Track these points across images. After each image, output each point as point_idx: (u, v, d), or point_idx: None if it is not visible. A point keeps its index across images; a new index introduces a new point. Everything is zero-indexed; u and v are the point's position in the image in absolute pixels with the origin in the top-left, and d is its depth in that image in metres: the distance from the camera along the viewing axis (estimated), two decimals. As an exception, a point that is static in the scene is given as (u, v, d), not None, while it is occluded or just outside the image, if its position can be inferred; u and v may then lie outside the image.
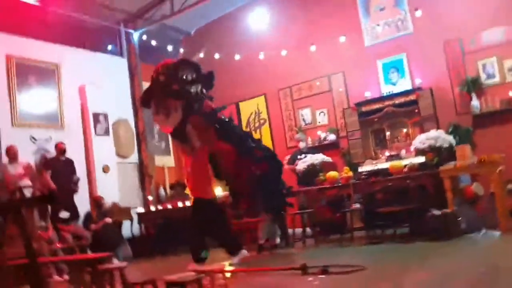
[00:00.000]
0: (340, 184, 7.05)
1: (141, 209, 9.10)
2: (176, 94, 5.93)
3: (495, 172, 5.91)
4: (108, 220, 7.77)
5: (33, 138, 8.00)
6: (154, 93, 6.13)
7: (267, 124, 10.28)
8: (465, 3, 7.80)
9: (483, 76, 7.67)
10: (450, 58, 7.96)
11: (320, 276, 4.19)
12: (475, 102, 7.57)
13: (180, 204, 8.53)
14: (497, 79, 7.58)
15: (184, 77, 6.06)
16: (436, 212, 5.96)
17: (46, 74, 8.47)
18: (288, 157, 8.39)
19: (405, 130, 8.24)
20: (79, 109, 8.90)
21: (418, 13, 7.99)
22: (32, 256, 2.28)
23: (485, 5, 7.59)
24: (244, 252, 6.11)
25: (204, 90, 6.27)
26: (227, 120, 6.49)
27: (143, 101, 6.51)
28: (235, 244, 6.24)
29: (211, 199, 6.21)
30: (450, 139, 6.83)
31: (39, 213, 6.64)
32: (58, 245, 6.64)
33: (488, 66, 7.64)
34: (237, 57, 9.66)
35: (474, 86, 7.64)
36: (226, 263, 5.81)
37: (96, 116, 9.03)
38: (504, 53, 7.49)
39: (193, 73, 6.14)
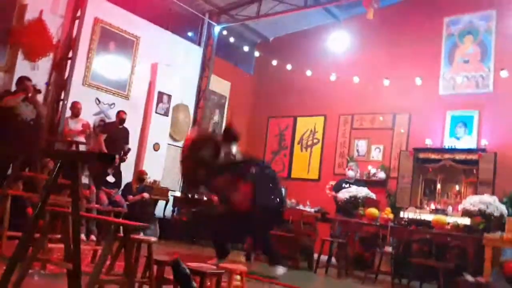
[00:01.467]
0: (378, 224, 6.90)
1: (178, 193, 9.30)
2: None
3: (543, 255, 5.59)
4: (146, 195, 7.98)
5: (98, 100, 8.37)
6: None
7: (319, 145, 10.23)
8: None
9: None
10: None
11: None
12: (539, 178, 7.21)
13: (215, 199, 8.60)
14: None
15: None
16: (470, 278, 5.70)
17: (126, 44, 8.84)
18: (333, 182, 8.30)
19: (458, 187, 7.97)
20: (147, 84, 9.21)
21: (504, 73, 7.72)
22: (76, 209, 2.39)
23: None
24: (282, 268, 5.87)
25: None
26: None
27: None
28: (277, 256, 6.08)
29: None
30: (503, 208, 6.53)
31: (86, 170, 6.94)
32: (95, 205, 6.90)
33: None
34: (308, 73, 9.69)
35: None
36: (244, 265, 5.81)
37: (160, 95, 9.32)
38: None
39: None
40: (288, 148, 10.72)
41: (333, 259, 7.45)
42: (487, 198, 6.72)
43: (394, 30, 9.19)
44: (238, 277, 3.84)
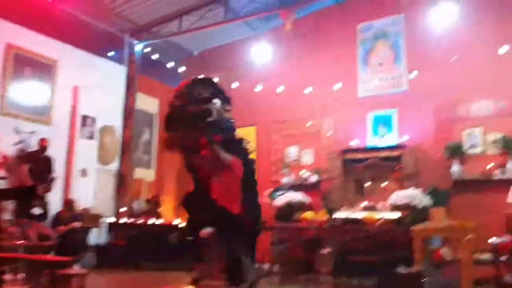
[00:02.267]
0: (314, 227, 7.08)
1: (112, 219, 9.01)
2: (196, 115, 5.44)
3: (465, 239, 6.00)
4: (77, 224, 7.67)
5: (17, 129, 7.94)
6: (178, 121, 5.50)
7: (253, 154, 10.29)
8: (459, 72, 8.06)
9: (467, 144, 7.87)
10: (438, 121, 8.18)
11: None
12: (456, 168, 7.74)
13: (151, 221, 8.47)
14: (479, 149, 7.79)
15: (200, 94, 5.61)
16: (403, 269, 6.00)
17: (43, 68, 8.49)
18: (269, 190, 8.42)
19: (385, 184, 8.36)
20: (69, 109, 8.88)
21: (413, 74, 8.27)
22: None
23: (478, 77, 7.87)
24: None
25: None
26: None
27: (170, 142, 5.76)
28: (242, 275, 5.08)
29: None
30: (426, 200, 6.94)
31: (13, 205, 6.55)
32: (21, 242, 6.51)
33: (473, 136, 7.86)
34: (234, 84, 9.78)
35: (457, 152, 7.82)
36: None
37: (84, 119, 9.02)
38: (489, 126, 7.73)
39: (210, 89, 5.69)
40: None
41: (276, 267, 7.53)
42: (411, 191, 7.12)
43: (312, 39, 9.52)
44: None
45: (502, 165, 7.51)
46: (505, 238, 6.33)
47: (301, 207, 7.76)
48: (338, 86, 8.89)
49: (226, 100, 5.59)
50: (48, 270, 3.18)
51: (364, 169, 8.49)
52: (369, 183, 8.47)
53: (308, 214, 7.33)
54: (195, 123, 5.25)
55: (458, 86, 8.02)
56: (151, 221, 8.51)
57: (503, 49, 7.63)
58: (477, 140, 7.82)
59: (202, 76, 6.07)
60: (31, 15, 8.05)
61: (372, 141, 8.66)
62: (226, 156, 5.12)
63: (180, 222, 8.80)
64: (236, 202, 4.93)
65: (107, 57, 10.01)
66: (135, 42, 10.27)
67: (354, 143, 8.73)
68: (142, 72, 10.35)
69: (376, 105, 8.77)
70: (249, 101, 9.97)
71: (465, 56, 7.94)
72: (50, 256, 4.37)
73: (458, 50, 7.99)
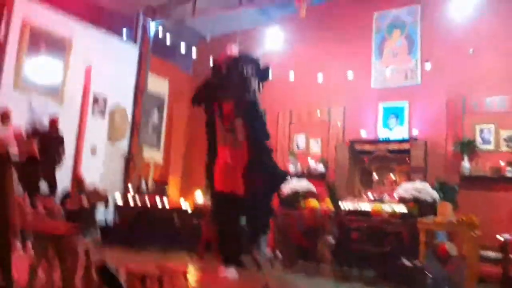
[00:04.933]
0: (319, 215, 7.09)
1: (119, 197, 9.08)
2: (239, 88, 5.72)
3: (470, 235, 5.97)
4: (85, 202, 7.73)
5: (30, 105, 8.00)
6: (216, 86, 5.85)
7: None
8: (473, 66, 7.95)
9: (478, 140, 7.79)
10: (450, 115, 8.09)
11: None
12: (466, 164, 7.67)
13: (158, 200, 8.53)
14: (491, 146, 7.70)
15: (245, 71, 5.82)
16: (406, 262, 6.00)
17: (57, 45, 8.51)
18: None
19: (392, 176, 8.32)
20: (81, 87, 8.90)
21: (427, 66, 8.15)
22: (5, 219, 2.30)
23: (493, 71, 7.76)
24: (234, 271, 5.43)
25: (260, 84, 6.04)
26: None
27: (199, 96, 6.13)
28: (236, 255, 5.66)
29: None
30: (434, 193, 6.90)
31: (19, 178, 6.60)
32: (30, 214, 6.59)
33: (485, 132, 7.77)
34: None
35: (468, 148, 7.74)
36: (190, 265, 5.76)
37: (95, 97, 9.05)
38: (502, 122, 7.63)
39: (253, 67, 5.91)
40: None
41: (278, 253, 7.56)
42: (419, 184, 7.08)
43: (326, 27, 9.42)
44: (182, 277, 3.83)
45: (514, 163, 7.43)
46: (514, 235, 6.28)
47: (307, 195, 7.76)
48: (350, 75, 8.80)
49: (264, 78, 5.87)
50: (54, 241, 3.20)
51: (372, 161, 8.46)
52: (377, 174, 8.43)
53: (313, 202, 7.33)
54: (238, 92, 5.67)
55: (471, 80, 7.91)
56: (157, 201, 8.55)
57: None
58: (489, 137, 7.73)
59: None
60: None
61: (382, 133, 8.61)
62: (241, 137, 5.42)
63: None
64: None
65: (120, 35, 9.98)
66: (149, 20, 10.21)
67: (363, 134, 8.68)
68: (154, 52, 10.34)
69: (388, 96, 8.69)
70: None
71: (480, 50, 7.83)
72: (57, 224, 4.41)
73: (473, 43, 7.88)
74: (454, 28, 8.06)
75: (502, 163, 7.44)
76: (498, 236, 6.34)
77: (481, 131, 7.80)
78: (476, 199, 7.41)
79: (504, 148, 7.60)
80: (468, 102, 7.95)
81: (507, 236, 6.27)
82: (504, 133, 7.61)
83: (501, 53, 7.72)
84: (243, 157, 5.56)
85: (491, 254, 6.46)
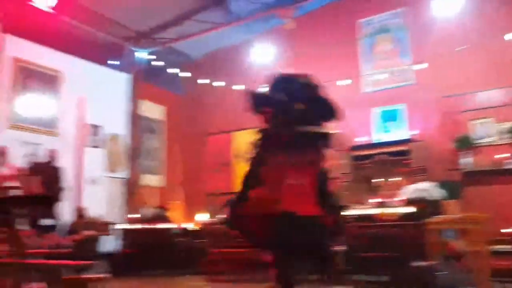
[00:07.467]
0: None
1: (121, 226, 8.99)
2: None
3: (480, 230, 5.94)
4: (88, 232, 7.65)
5: (26, 141, 7.95)
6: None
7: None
8: (466, 62, 8.03)
9: (476, 135, 7.82)
10: (446, 113, 8.13)
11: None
12: (466, 160, 7.69)
13: (161, 226, 8.47)
14: (489, 139, 7.73)
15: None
16: (418, 263, 5.95)
17: (49, 80, 8.52)
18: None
19: (394, 178, 8.30)
20: (75, 119, 8.89)
21: (423, 66, 8.19)
22: (19, 255, 2.26)
23: (486, 66, 7.84)
24: None
25: None
26: None
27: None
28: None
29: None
30: (439, 192, 6.89)
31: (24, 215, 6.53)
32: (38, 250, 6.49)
33: (482, 126, 7.81)
34: (235, 87, 9.75)
35: (466, 144, 7.77)
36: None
37: (91, 128, 9.02)
38: (499, 116, 7.68)
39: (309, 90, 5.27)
40: (229, 163, 10.71)
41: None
42: (424, 185, 7.05)
43: (313, 36, 9.50)
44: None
45: (513, 154, 7.46)
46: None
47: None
48: (341, 82, 8.83)
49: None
50: (69, 275, 3.15)
51: (372, 166, 8.44)
52: (378, 179, 8.41)
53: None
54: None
55: (464, 77, 7.99)
56: (160, 226, 8.49)
57: (509, 36, 7.56)
58: (487, 131, 7.77)
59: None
60: (35, 28, 8.06)
61: (379, 137, 8.61)
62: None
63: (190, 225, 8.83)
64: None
65: (110, 66, 10.01)
66: (136, 49, 10.26)
67: (360, 140, 8.68)
68: (147, 79, 10.36)
69: (383, 99, 8.74)
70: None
71: (471, 46, 7.91)
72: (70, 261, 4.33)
73: (463, 40, 7.96)
74: (443, 27, 8.15)
75: (501, 156, 7.47)
76: (504, 230, 6.32)
77: (478, 126, 7.84)
78: (479, 193, 7.43)
79: (501, 141, 7.63)
80: (463, 99, 8.00)
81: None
82: (501, 126, 7.65)
83: (492, 47, 7.77)
84: None
85: (502, 247, 6.41)
